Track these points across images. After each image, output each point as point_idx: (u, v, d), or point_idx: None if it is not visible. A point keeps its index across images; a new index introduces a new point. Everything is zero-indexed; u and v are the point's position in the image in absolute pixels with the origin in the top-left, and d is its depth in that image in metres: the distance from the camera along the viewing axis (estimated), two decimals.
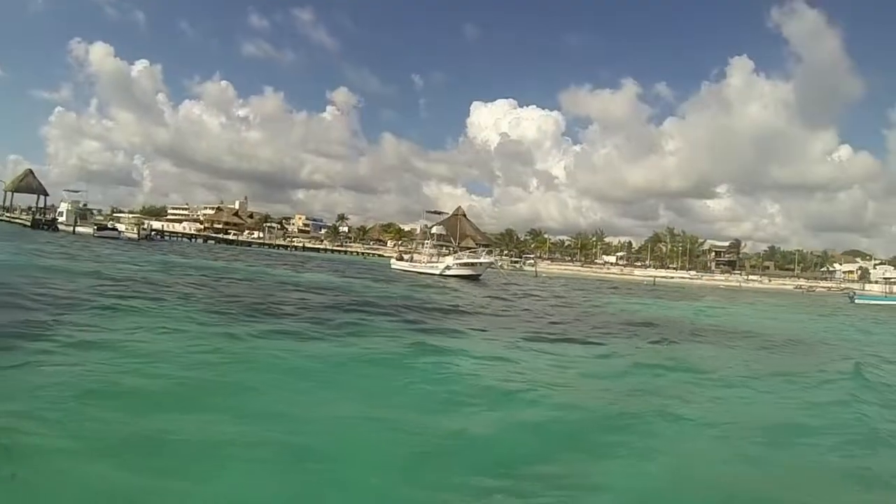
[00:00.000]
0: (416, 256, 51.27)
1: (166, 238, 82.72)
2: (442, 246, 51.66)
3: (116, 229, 66.39)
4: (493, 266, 44.37)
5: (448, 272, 41.61)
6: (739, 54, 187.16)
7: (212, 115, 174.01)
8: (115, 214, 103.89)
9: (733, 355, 12.29)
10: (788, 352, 13.94)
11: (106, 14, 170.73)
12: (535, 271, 74.53)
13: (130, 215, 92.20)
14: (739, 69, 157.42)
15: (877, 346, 16.25)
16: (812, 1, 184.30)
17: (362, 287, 24.61)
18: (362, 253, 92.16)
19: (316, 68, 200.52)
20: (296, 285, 22.80)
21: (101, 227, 66.21)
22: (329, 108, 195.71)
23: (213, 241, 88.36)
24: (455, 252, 47.53)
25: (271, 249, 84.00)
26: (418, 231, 58.63)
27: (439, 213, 56.87)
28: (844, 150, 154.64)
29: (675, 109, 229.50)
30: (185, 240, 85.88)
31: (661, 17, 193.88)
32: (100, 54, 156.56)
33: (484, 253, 48.08)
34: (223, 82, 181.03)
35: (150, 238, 68.93)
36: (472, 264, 43.26)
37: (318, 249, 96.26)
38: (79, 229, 65.18)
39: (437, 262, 45.02)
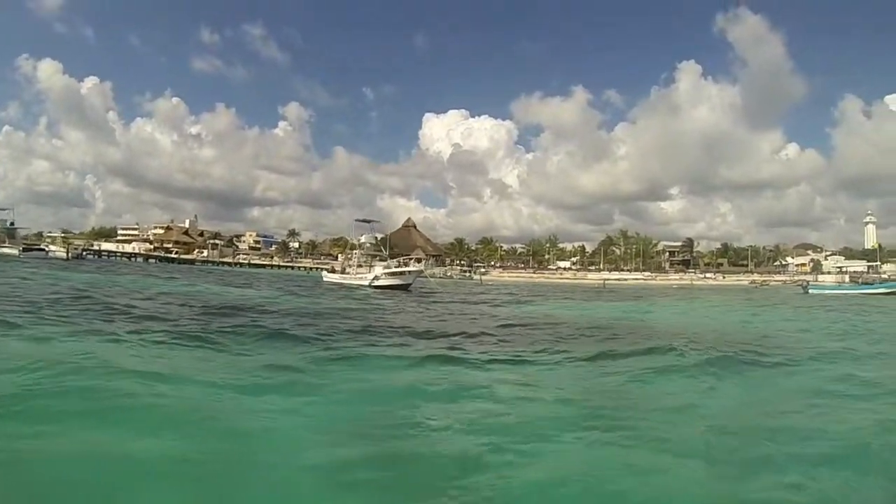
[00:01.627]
0: (348, 268, 49.75)
1: (103, 257, 79.65)
2: (373, 256, 50.23)
3: (44, 249, 63.86)
4: (422, 275, 42.83)
5: (377, 283, 40.35)
6: (687, 59, 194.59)
7: (163, 133, 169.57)
8: (63, 236, 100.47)
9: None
10: (621, 338, 13.43)
11: (54, 30, 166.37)
12: (480, 279, 73.98)
13: (71, 238, 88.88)
14: (688, 74, 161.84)
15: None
16: (755, 7, 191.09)
17: (265, 300, 23.03)
18: (309, 268, 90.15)
19: (267, 83, 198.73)
20: (186, 295, 21.62)
21: (28, 248, 63.61)
22: (281, 123, 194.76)
23: (154, 260, 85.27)
24: (385, 262, 46.02)
25: (215, 267, 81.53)
26: (367, 243, 56.31)
27: (368, 221, 55.45)
28: (792, 149, 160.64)
29: (626, 115, 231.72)
30: (123, 259, 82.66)
31: (610, 25, 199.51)
32: (48, 71, 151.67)
33: (413, 262, 46.35)
34: (174, 99, 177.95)
35: (80, 257, 66.18)
36: (401, 273, 42.02)
37: (264, 266, 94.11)
38: (4, 249, 62.31)
39: (366, 273, 43.72)
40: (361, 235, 56.34)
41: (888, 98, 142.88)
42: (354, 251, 52.03)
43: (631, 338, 13.33)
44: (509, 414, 5.99)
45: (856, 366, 9.56)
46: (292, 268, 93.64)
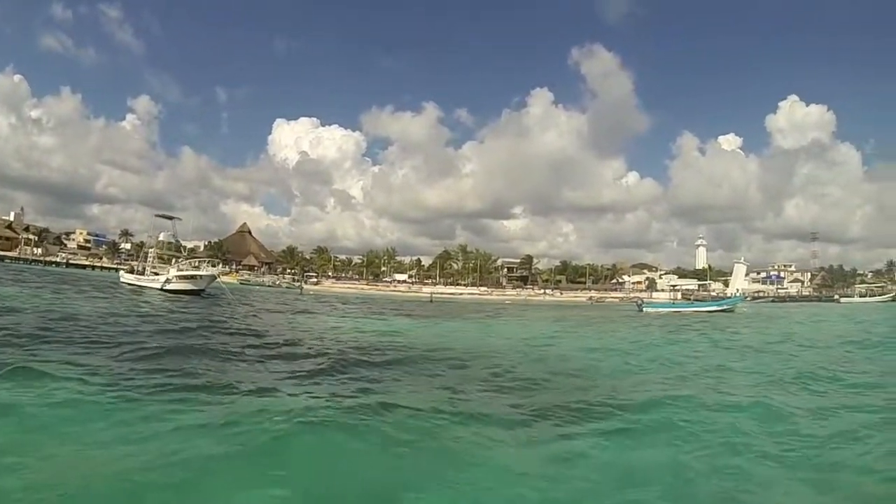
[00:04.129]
0: (147, 269, 46.49)
1: None
2: (174, 257, 48.24)
3: None
4: (216, 280, 41.18)
5: (168, 286, 39.00)
6: (541, 86, 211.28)
7: (0, 114, 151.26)
8: None
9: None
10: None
11: None
12: (301, 289, 74.14)
13: None
14: (539, 100, 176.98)
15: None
16: (609, 45, 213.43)
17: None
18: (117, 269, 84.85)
19: (118, 71, 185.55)
20: None
21: None
22: (129, 116, 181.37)
23: None
24: (180, 262, 44.19)
25: (27, 266, 74.36)
26: (165, 241, 52.84)
27: (170, 217, 51.19)
28: (632, 177, 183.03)
29: (475, 134, 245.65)
30: None
31: (468, 47, 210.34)
32: None
33: (207, 265, 44.01)
34: (17, 76, 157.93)
35: None
36: (193, 277, 40.12)
37: (84, 266, 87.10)
38: None
39: (160, 275, 41.83)
40: (160, 234, 52.35)
41: (721, 138, 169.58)
42: (150, 250, 48.43)
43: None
44: None
45: None
46: (111, 269, 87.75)
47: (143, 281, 43.12)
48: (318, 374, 9.97)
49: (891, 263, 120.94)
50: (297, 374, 9.98)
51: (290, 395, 8.08)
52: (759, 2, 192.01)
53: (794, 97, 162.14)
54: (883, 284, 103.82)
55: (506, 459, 5.71)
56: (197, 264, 44.77)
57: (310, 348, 13.81)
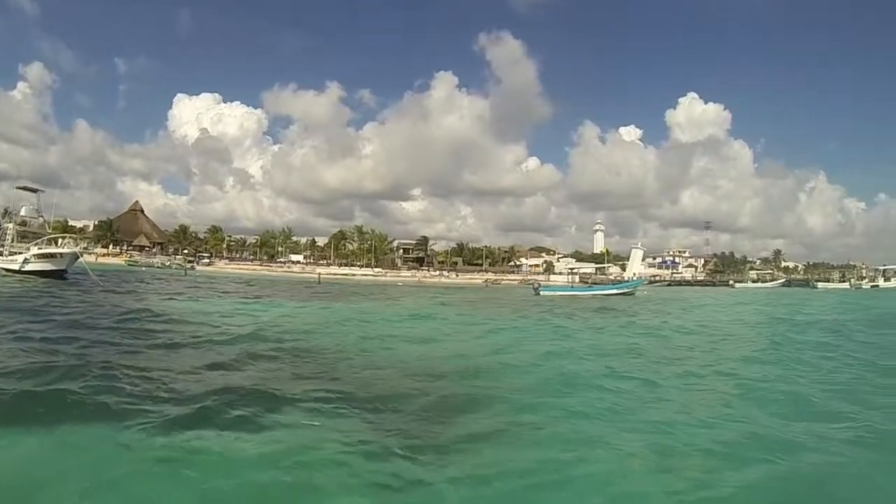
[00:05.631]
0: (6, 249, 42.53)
1: None
2: (36, 234, 44.34)
3: None
4: (79, 259, 38.66)
5: (28, 266, 37.33)
6: (445, 70, 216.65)
7: None
8: None
9: None
10: None
11: None
12: (185, 270, 73.09)
13: None
14: (443, 83, 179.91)
15: None
16: (517, 33, 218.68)
17: None
18: None
19: (8, 34, 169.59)
20: None
21: None
22: (20, 84, 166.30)
23: None
24: (38, 241, 41.07)
25: None
26: (28, 217, 48.91)
27: (33, 189, 47.94)
28: (532, 162, 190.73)
29: (377, 115, 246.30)
30: None
31: (374, 28, 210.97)
32: None
33: (67, 243, 41.71)
34: None
35: None
36: (52, 256, 38.08)
37: None
38: None
39: (17, 256, 39.34)
40: (21, 208, 47.90)
41: (622, 129, 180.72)
42: (9, 226, 44.09)
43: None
44: None
45: None
46: None
47: (2, 262, 40.52)
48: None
49: (777, 252, 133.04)
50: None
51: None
52: (666, 2, 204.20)
53: (693, 94, 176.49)
54: (771, 271, 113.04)
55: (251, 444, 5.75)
56: (59, 242, 41.95)
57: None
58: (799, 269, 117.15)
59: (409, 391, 8.34)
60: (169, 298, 27.05)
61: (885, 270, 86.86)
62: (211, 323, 16.63)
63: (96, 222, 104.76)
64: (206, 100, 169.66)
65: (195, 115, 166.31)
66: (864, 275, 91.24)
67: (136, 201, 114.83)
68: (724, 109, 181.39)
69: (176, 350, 11.30)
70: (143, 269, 71.34)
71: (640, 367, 11.12)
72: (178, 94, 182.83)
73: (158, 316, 17.36)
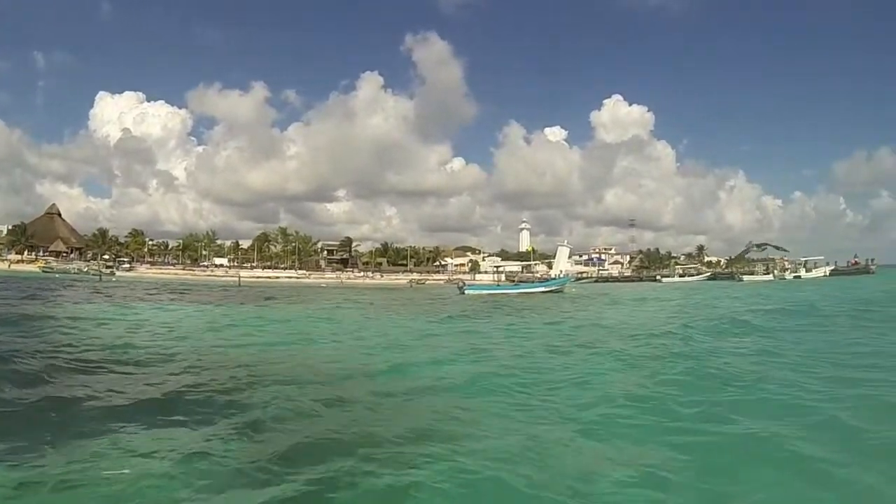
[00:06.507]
0: None
1: None
2: None
3: None
4: None
5: None
6: (371, 70, 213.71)
7: None
8: None
9: None
10: None
11: None
12: (101, 276, 72.74)
13: None
14: (369, 83, 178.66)
15: None
16: (443, 34, 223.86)
17: None
18: None
19: None
20: None
21: None
22: None
23: None
24: None
25: None
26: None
27: None
28: (457, 163, 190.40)
29: (302, 116, 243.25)
30: None
31: (299, 26, 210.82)
32: None
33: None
34: None
35: None
36: None
37: None
38: None
39: None
40: None
41: (547, 130, 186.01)
42: None
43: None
44: None
45: None
46: None
47: None
48: None
49: (700, 248, 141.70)
50: None
51: None
52: (592, 4, 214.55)
53: (618, 96, 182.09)
54: (695, 266, 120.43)
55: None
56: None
57: None
58: (721, 263, 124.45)
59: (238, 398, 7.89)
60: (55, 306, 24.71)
61: (805, 262, 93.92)
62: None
63: (10, 227, 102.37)
64: (129, 98, 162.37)
65: (117, 114, 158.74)
66: (787, 266, 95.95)
67: (53, 204, 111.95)
68: (648, 111, 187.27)
69: None
70: (58, 275, 70.33)
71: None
72: (100, 92, 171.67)
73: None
